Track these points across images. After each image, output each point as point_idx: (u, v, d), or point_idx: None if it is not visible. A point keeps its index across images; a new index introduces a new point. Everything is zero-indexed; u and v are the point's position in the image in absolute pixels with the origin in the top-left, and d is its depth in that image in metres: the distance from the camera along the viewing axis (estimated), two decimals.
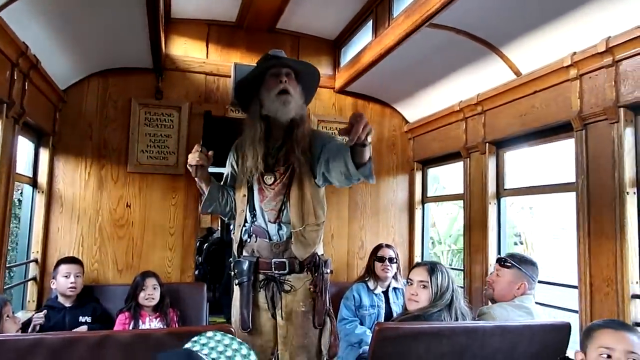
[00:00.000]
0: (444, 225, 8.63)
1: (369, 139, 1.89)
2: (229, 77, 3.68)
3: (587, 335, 1.64)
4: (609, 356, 1.54)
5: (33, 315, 2.77)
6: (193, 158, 2.25)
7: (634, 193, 2.25)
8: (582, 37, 2.40)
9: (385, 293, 3.34)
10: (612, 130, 2.31)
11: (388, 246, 3.42)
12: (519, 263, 2.45)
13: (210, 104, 3.66)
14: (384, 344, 1.87)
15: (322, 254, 2.36)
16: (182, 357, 1.11)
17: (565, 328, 2.08)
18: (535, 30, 2.59)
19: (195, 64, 3.70)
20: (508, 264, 2.45)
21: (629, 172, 2.26)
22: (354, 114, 1.81)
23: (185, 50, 3.71)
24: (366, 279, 3.35)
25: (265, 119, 2.34)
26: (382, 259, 3.33)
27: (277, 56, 2.40)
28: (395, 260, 3.36)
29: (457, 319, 2.15)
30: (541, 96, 2.74)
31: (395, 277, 3.38)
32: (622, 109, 2.27)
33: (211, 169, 2.37)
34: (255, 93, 2.38)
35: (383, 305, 3.31)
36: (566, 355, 2.10)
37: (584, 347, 1.63)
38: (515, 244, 7.82)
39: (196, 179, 2.37)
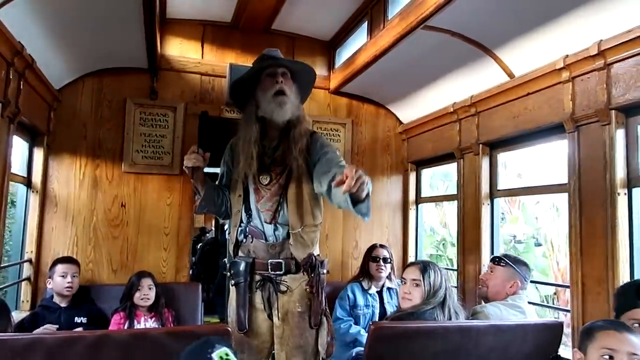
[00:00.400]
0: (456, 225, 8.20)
1: (362, 190, 1.83)
2: (224, 77, 3.69)
3: (588, 335, 1.64)
4: (611, 357, 1.55)
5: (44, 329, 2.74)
6: (189, 160, 2.23)
7: (625, 194, 2.29)
8: (575, 40, 2.43)
9: (380, 293, 3.36)
10: (603, 132, 2.34)
11: (382, 246, 3.44)
12: (513, 262, 2.55)
13: (205, 104, 3.66)
14: (380, 343, 1.89)
15: (318, 254, 2.37)
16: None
17: (558, 327, 2.11)
18: (528, 33, 2.62)
19: (190, 64, 3.70)
20: (502, 263, 2.54)
21: (620, 173, 2.29)
22: (350, 167, 1.77)
23: (181, 50, 3.70)
24: (360, 279, 3.38)
25: (261, 120, 2.34)
26: (376, 259, 3.35)
27: (273, 56, 2.40)
28: (389, 260, 3.39)
29: (450, 317, 2.18)
30: (534, 98, 2.77)
31: (389, 277, 3.40)
32: (613, 111, 2.30)
33: (206, 169, 2.37)
34: (251, 93, 2.37)
35: (377, 305, 3.33)
36: (558, 354, 2.13)
37: (583, 347, 1.64)
38: (538, 244, 7.32)
39: (192, 180, 2.37)
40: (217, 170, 2.59)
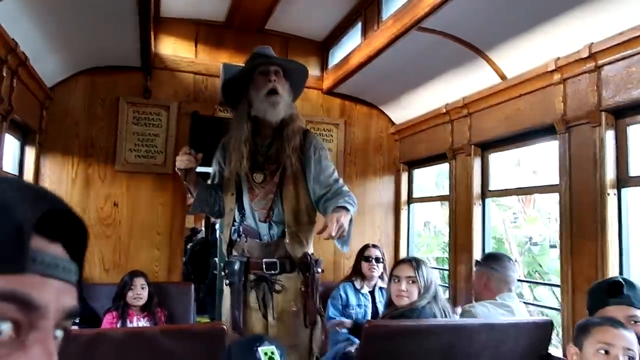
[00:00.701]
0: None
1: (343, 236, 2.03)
2: (218, 76, 3.68)
3: (583, 331, 1.67)
4: (606, 352, 1.58)
5: None
6: (182, 161, 2.20)
7: (615, 194, 2.32)
8: (566, 43, 2.46)
9: (372, 292, 3.37)
10: (594, 133, 2.38)
11: (374, 246, 3.45)
12: (484, 260, 2.64)
13: (198, 104, 3.65)
14: (373, 341, 1.91)
15: (313, 253, 2.38)
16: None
17: (548, 325, 2.14)
18: (520, 35, 2.65)
19: (184, 64, 3.68)
20: (475, 262, 2.69)
21: (610, 174, 2.32)
22: (330, 216, 1.99)
23: (174, 49, 3.69)
24: (353, 279, 3.38)
25: (254, 119, 2.33)
26: (368, 259, 3.36)
27: (265, 54, 2.40)
28: (381, 260, 3.40)
29: (443, 311, 2.22)
30: (526, 100, 2.80)
31: (381, 276, 3.41)
32: (603, 113, 2.33)
33: (199, 169, 2.36)
34: (244, 92, 2.36)
35: (369, 305, 3.34)
36: (549, 352, 2.16)
37: (579, 342, 1.67)
38: (552, 246, 6.92)
39: (184, 182, 2.35)
40: (210, 169, 2.58)
